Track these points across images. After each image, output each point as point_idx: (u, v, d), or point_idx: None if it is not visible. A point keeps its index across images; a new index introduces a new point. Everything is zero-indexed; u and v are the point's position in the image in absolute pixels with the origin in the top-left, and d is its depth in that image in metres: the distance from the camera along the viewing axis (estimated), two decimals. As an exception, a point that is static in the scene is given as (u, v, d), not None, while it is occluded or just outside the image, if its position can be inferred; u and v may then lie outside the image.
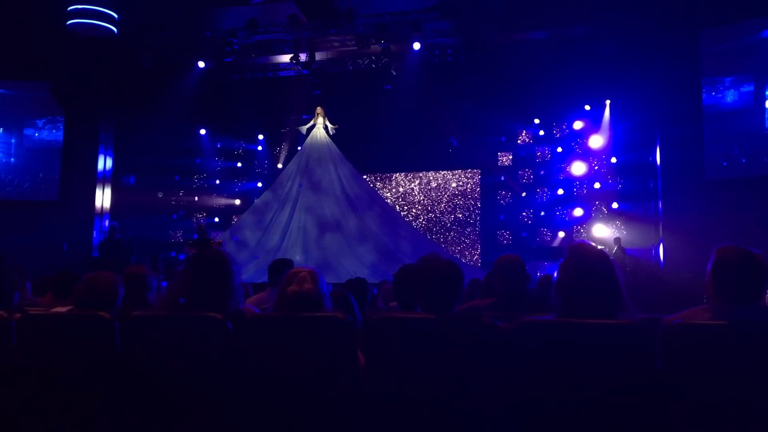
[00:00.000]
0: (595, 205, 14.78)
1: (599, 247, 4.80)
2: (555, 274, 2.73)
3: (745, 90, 11.49)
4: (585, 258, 2.64)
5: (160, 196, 15.30)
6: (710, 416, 2.39)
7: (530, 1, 12.21)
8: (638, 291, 9.96)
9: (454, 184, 16.59)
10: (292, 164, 15.72)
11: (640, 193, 13.55)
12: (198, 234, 13.73)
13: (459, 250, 16.11)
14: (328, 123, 15.10)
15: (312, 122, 15.18)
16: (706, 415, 2.40)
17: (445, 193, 16.59)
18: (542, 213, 15.44)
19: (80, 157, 13.90)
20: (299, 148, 16.03)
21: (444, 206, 16.54)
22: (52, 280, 4.59)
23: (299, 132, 15.79)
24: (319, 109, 15.12)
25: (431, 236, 16.38)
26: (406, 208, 16.80)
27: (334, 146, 15.34)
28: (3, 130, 14.17)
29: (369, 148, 16.03)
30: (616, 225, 14.21)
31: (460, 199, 16.47)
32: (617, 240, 13.16)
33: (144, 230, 14.34)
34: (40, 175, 14.12)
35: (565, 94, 14.12)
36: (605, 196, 14.52)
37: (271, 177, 17.36)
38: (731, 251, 2.69)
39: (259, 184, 17.39)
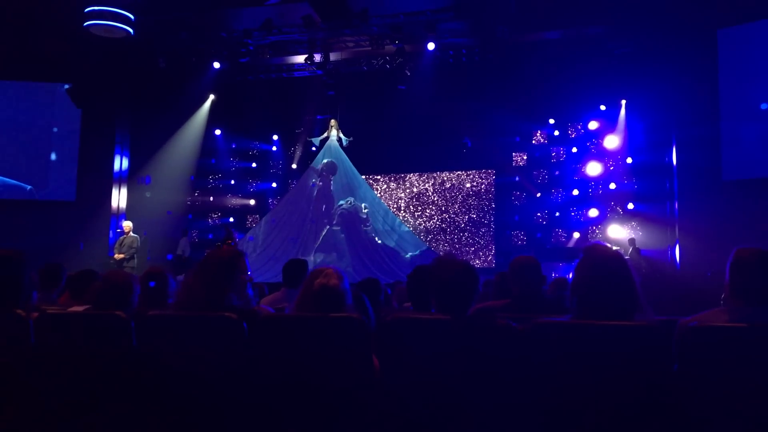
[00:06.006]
0: (610, 205, 14.68)
1: (614, 248, 4.78)
2: (570, 276, 2.72)
3: (763, 90, 11.35)
4: (600, 259, 2.63)
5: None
6: (727, 420, 2.37)
7: (545, 0, 12.15)
8: (654, 292, 9.89)
9: (468, 185, 16.54)
10: (304, 180, 15.60)
11: (656, 194, 13.47)
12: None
13: (473, 251, 16.07)
14: (341, 135, 15.01)
15: (325, 134, 15.12)
16: (724, 418, 2.38)
17: (460, 194, 16.55)
18: (557, 214, 15.36)
19: (97, 158, 14.01)
20: (313, 148, 16.04)
21: (458, 207, 16.50)
22: (69, 280, 4.64)
23: (312, 134, 15.83)
24: (333, 122, 15.05)
25: (445, 236, 16.36)
26: (420, 208, 16.78)
27: (348, 161, 15.25)
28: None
29: (383, 148, 16.03)
30: (632, 226, 14.11)
31: (475, 200, 16.42)
32: (632, 241, 13.07)
33: (159, 230, 14.45)
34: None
35: (580, 94, 14.04)
36: (621, 196, 14.42)
37: (286, 177, 17.43)
38: (750, 252, 2.67)
39: (274, 185, 17.48)
